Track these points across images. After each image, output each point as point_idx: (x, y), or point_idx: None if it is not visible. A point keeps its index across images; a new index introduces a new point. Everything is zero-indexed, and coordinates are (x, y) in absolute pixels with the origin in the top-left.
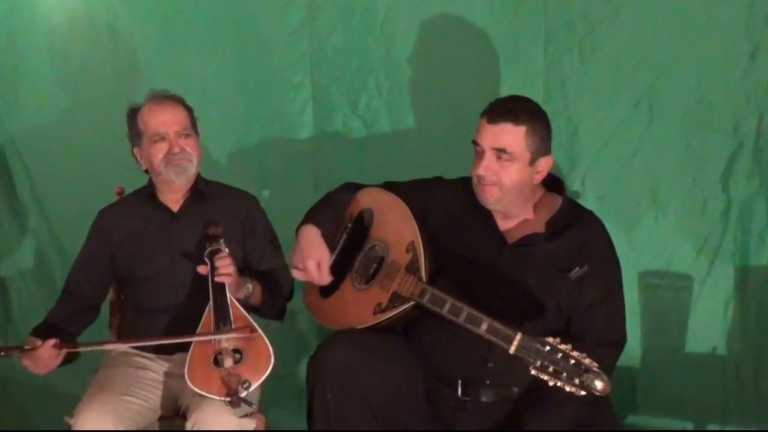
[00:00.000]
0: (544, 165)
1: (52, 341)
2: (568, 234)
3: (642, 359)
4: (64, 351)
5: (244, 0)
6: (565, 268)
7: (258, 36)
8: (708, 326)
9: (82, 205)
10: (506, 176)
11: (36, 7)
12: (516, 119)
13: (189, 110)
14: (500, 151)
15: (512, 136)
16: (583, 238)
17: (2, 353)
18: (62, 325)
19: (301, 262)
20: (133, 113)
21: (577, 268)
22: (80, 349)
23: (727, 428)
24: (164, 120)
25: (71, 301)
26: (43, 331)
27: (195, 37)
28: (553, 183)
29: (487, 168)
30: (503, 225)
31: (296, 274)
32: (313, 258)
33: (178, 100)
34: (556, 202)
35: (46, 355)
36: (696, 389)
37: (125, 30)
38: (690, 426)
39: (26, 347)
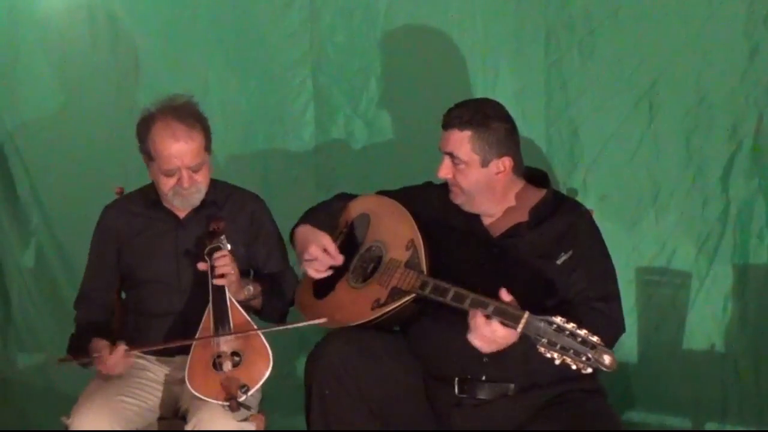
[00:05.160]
0: (502, 165)
1: (122, 347)
2: (551, 221)
3: (640, 356)
4: (134, 353)
5: (246, 1)
6: (551, 255)
7: (259, 36)
8: (707, 324)
9: (82, 205)
10: (462, 179)
11: (36, 4)
12: (461, 125)
13: (204, 128)
14: (452, 156)
15: (458, 141)
16: (567, 224)
17: (76, 362)
18: (104, 329)
19: (306, 252)
20: (144, 125)
21: (562, 254)
22: (150, 348)
23: (726, 426)
24: (177, 153)
25: (91, 308)
26: (91, 337)
27: (196, 38)
28: (537, 177)
29: (443, 172)
30: (487, 220)
31: (308, 267)
32: (316, 243)
33: (192, 124)
34: (540, 194)
35: (119, 361)
36: (694, 387)
37: (126, 30)
38: (688, 424)
39: (96, 355)
